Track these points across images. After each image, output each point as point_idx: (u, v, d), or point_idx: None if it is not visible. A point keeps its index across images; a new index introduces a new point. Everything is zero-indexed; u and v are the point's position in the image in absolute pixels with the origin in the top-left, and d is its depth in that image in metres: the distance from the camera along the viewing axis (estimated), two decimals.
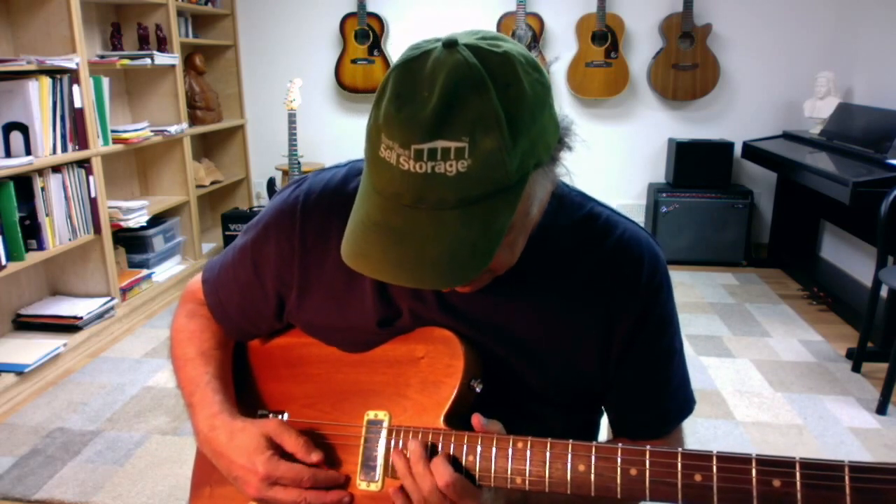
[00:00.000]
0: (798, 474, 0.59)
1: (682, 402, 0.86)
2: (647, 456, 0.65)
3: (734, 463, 0.61)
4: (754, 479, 0.60)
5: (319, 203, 0.83)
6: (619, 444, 0.67)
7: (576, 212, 0.82)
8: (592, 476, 0.66)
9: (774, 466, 0.60)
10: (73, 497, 1.88)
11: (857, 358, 2.64)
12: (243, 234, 0.91)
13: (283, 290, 0.87)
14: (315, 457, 0.79)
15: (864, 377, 2.59)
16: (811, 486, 0.58)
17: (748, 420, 2.29)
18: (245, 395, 0.91)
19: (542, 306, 0.80)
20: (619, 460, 0.66)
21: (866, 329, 2.57)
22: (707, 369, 2.65)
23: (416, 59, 0.60)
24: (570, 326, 0.80)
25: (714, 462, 0.62)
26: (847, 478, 0.57)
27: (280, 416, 0.88)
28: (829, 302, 3.29)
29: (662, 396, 0.85)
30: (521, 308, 0.80)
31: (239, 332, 0.95)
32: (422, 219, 0.59)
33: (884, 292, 2.78)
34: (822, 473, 0.58)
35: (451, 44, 0.59)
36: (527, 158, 0.60)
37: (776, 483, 0.59)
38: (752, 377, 2.60)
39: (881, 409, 2.33)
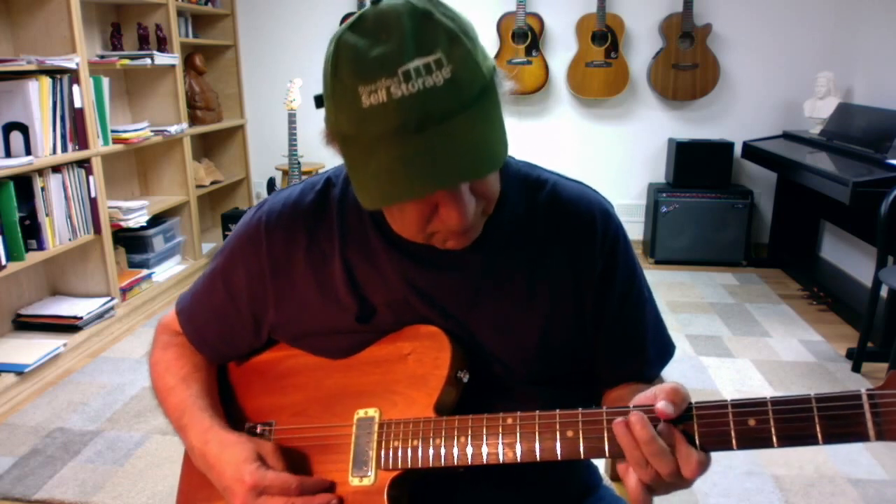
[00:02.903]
0: (770, 411, 0.63)
1: (660, 346, 0.91)
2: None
3: (712, 409, 0.66)
4: (731, 422, 0.64)
5: (281, 219, 0.87)
6: (605, 408, 0.70)
7: (524, 180, 0.87)
8: (581, 441, 0.69)
9: (748, 407, 0.64)
10: (73, 497, 1.88)
11: (857, 358, 2.64)
12: (212, 261, 0.93)
13: (259, 309, 0.88)
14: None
15: (864, 377, 2.59)
16: (783, 420, 0.62)
17: None
18: (231, 413, 0.92)
19: (509, 283, 0.83)
20: (604, 421, 0.69)
21: (866, 329, 2.57)
22: (707, 369, 2.65)
23: (363, 17, 0.66)
24: (540, 297, 0.83)
25: (693, 412, 0.66)
26: (815, 408, 0.61)
27: (268, 426, 0.89)
28: (829, 302, 3.29)
29: (642, 345, 0.89)
30: (489, 287, 0.83)
31: (220, 356, 0.96)
32: (434, 136, 0.63)
33: (884, 292, 2.78)
34: (791, 407, 0.62)
35: None
36: (487, 61, 0.67)
37: (751, 422, 0.63)
38: (752, 377, 2.60)
39: None
